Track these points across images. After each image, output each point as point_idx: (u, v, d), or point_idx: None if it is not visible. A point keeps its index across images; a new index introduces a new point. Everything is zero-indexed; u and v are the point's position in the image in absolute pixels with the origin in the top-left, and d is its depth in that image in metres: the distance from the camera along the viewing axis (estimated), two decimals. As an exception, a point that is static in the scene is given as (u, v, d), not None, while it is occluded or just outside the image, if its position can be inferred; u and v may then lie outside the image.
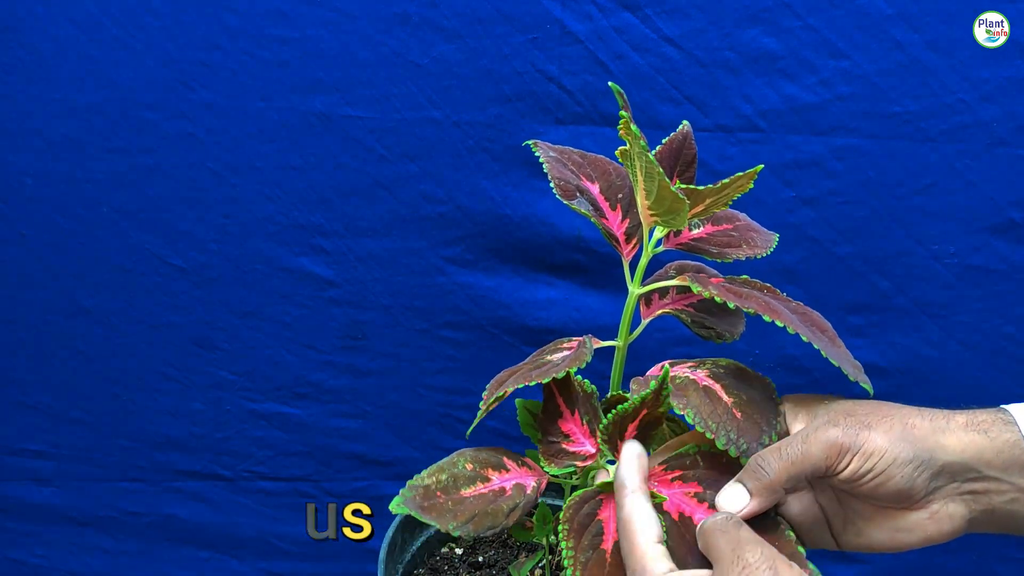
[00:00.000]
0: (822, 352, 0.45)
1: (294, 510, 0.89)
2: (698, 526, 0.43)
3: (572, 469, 0.49)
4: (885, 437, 0.42)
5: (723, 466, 0.45)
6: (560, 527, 0.46)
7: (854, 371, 0.46)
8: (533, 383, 0.48)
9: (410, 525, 0.61)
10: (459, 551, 0.63)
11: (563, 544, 0.45)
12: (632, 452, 0.46)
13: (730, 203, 0.48)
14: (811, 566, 0.41)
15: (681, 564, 0.42)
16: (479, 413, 0.50)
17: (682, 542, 0.44)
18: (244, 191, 0.78)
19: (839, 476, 0.43)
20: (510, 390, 0.48)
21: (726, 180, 0.46)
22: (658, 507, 0.44)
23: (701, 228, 0.55)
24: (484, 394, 0.51)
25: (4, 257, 0.81)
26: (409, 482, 0.49)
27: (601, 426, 0.47)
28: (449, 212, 0.77)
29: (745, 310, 0.45)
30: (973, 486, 0.43)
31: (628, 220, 0.54)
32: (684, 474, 0.46)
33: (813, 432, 0.43)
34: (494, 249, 0.78)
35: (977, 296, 0.76)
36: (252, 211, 0.78)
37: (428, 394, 0.83)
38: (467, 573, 0.61)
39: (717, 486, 0.45)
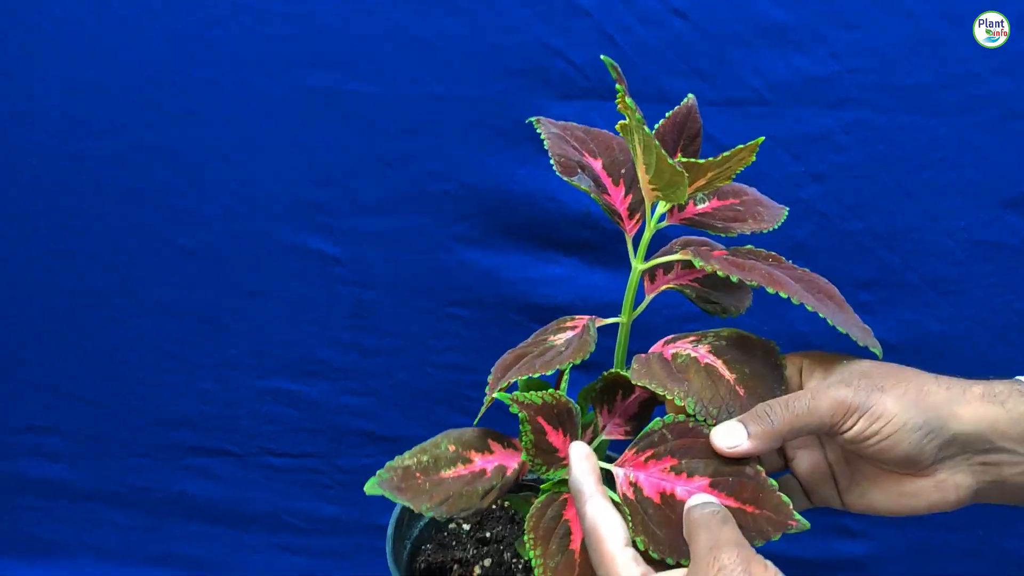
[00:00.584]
0: (828, 320, 0.44)
1: (304, 486, 0.89)
2: (685, 508, 0.41)
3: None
4: (897, 402, 0.42)
5: (692, 432, 0.45)
6: (526, 536, 0.45)
7: (862, 335, 0.45)
8: (537, 375, 0.47)
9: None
10: (466, 527, 0.64)
11: (531, 553, 0.45)
12: (579, 454, 0.44)
13: (734, 176, 0.47)
14: (797, 516, 0.41)
15: (671, 549, 0.42)
16: (484, 402, 0.50)
17: (667, 525, 0.43)
18: (248, 169, 0.77)
19: (844, 435, 0.43)
20: (514, 380, 0.48)
21: (728, 153, 0.45)
22: (639, 493, 0.44)
23: (706, 203, 0.54)
24: (490, 379, 0.51)
25: (9, 238, 0.81)
26: (389, 463, 0.49)
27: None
28: (455, 189, 0.77)
29: (748, 283, 0.45)
30: (985, 457, 0.43)
31: (631, 196, 0.53)
32: (656, 451, 0.45)
33: (824, 389, 0.43)
34: (500, 226, 0.78)
35: (988, 271, 0.75)
36: (256, 189, 0.78)
37: (436, 372, 0.83)
38: (474, 548, 0.62)
39: (692, 452, 0.44)
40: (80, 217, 0.80)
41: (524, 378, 0.48)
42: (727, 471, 0.43)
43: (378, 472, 0.48)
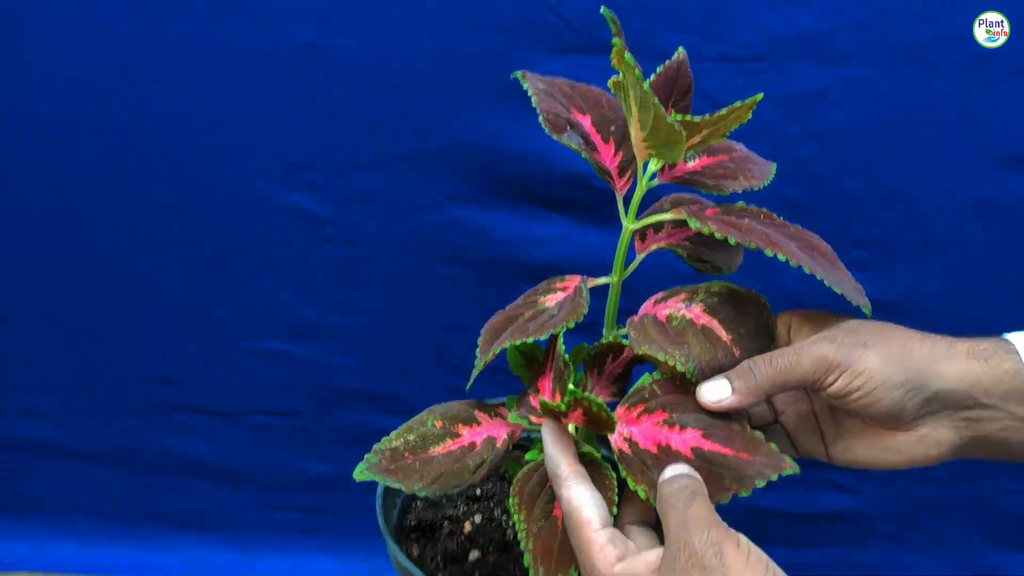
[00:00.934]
0: (824, 281, 0.44)
1: (293, 445, 0.89)
2: (658, 486, 0.41)
3: (526, 421, 0.49)
4: (879, 358, 0.42)
5: (680, 387, 0.45)
6: (511, 500, 0.46)
7: (855, 294, 0.45)
8: (531, 339, 0.47)
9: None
10: (456, 486, 0.64)
11: (515, 517, 0.45)
12: (551, 435, 0.44)
13: (727, 134, 0.47)
14: (789, 459, 0.41)
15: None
16: (475, 368, 0.50)
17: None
18: (230, 126, 0.75)
19: (827, 391, 0.43)
20: (507, 345, 0.47)
21: (723, 111, 0.44)
22: (635, 447, 0.44)
23: (696, 160, 0.53)
24: (480, 340, 0.50)
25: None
26: (375, 445, 0.49)
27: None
28: (443, 146, 0.75)
29: (745, 245, 0.44)
30: (968, 414, 0.44)
31: (621, 153, 0.52)
32: (647, 406, 0.45)
33: (808, 346, 0.44)
34: (490, 184, 0.77)
35: (983, 231, 0.75)
36: (239, 147, 0.76)
37: (425, 331, 0.83)
38: (465, 505, 0.62)
39: (682, 407, 0.44)
40: (53, 175, 0.78)
41: (514, 349, 0.48)
42: (716, 424, 0.43)
43: (365, 456, 0.48)
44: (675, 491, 0.39)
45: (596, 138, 0.52)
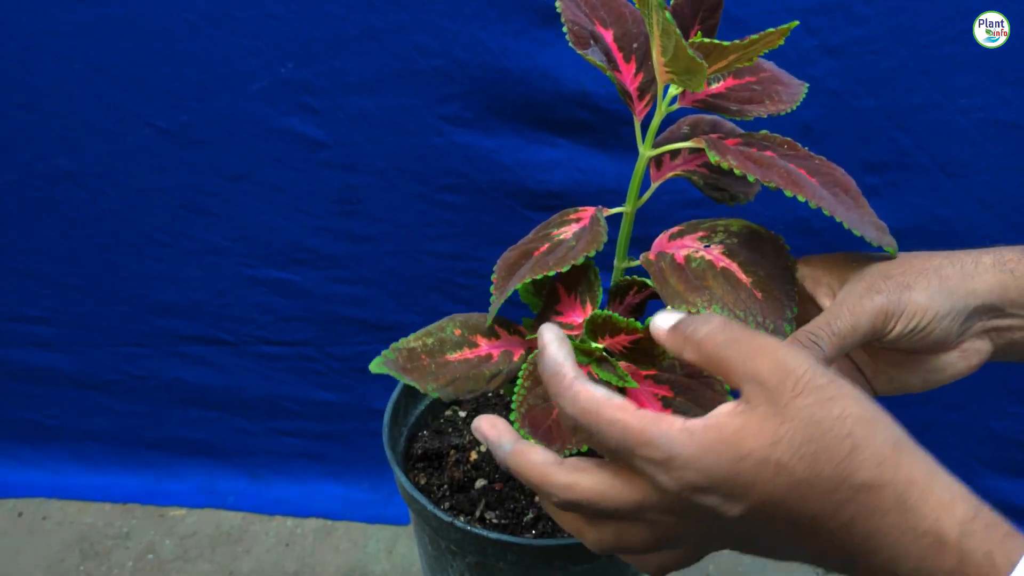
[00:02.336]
0: (844, 223, 0.43)
1: (298, 373, 0.90)
2: (686, 331, 0.36)
3: None
4: (925, 295, 0.43)
5: (696, 373, 0.45)
6: (523, 366, 0.45)
7: (878, 235, 0.45)
8: (552, 272, 0.46)
9: (414, 388, 0.61)
10: (462, 414, 0.64)
11: (519, 382, 0.44)
12: (553, 336, 0.38)
13: (755, 59, 0.44)
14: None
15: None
16: (492, 306, 0.49)
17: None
18: (222, 43, 0.72)
19: (886, 339, 0.44)
20: (527, 280, 0.46)
21: (755, 36, 0.42)
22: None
23: (720, 82, 0.50)
24: (494, 278, 0.49)
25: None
26: (393, 344, 0.49)
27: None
28: (445, 66, 0.72)
29: (766, 184, 0.43)
30: (996, 323, 0.45)
31: (642, 75, 0.49)
32: (658, 375, 0.45)
33: (858, 302, 0.44)
34: (493, 106, 0.74)
35: (1001, 152, 0.73)
36: (233, 66, 0.73)
37: (427, 259, 0.82)
38: (471, 434, 0.62)
39: (688, 393, 0.44)
40: (45, 95, 0.75)
41: (528, 280, 0.46)
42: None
43: (383, 352, 0.48)
44: (719, 324, 0.35)
45: (618, 56, 0.49)
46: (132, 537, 0.89)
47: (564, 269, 0.45)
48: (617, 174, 0.75)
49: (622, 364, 0.44)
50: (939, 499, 0.32)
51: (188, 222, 0.82)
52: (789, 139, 0.47)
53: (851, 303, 0.44)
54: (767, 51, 0.43)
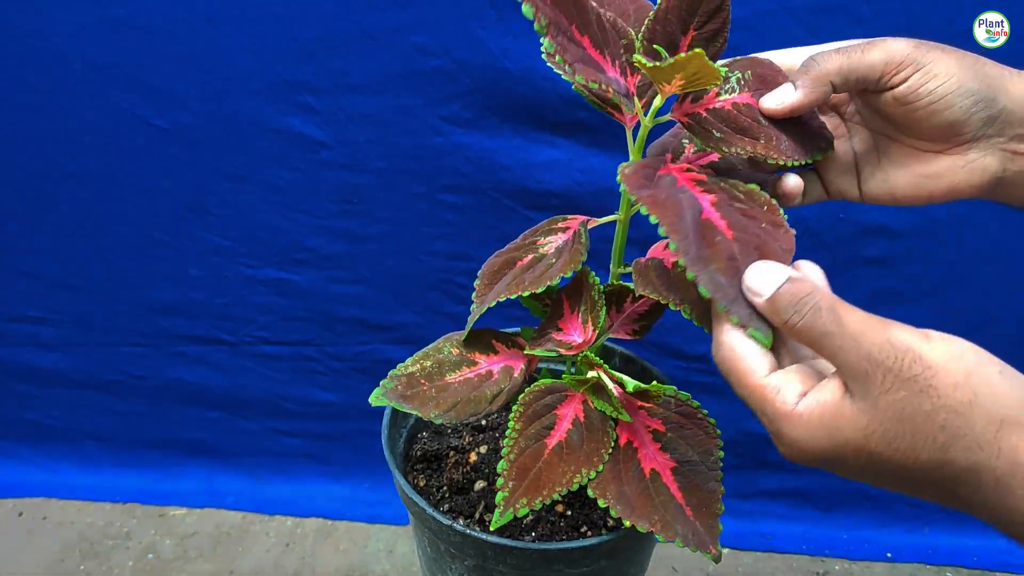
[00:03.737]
0: (701, 288, 0.37)
1: (298, 373, 0.90)
2: (776, 316, 0.35)
3: (554, 353, 0.48)
4: (956, 63, 0.40)
5: (690, 413, 0.45)
6: (514, 408, 0.45)
7: (747, 316, 0.37)
8: (526, 293, 0.45)
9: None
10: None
11: (511, 424, 0.45)
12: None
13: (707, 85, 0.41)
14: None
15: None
16: (471, 316, 0.48)
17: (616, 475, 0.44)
18: (222, 44, 0.72)
19: (895, 91, 0.41)
20: (502, 299, 0.46)
21: (669, 61, 0.38)
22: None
23: (731, 96, 0.45)
24: (476, 284, 0.49)
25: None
26: (392, 371, 0.48)
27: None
28: (445, 66, 0.72)
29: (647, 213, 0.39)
30: (1018, 145, 0.42)
31: (638, 75, 0.48)
32: (652, 409, 0.45)
33: (880, 40, 0.41)
34: (493, 107, 0.74)
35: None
36: (233, 66, 0.73)
37: (427, 259, 0.82)
38: (470, 436, 0.62)
39: (680, 431, 0.45)
40: (47, 95, 0.75)
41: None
42: None
43: (382, 382, 0.48)
44: (806, 311, 0.34)
45: (605, 64, 0.45)
46: (132, 537, 0.89)
47: (539, 290, 0.45)
48: (616, 172, 0.75)
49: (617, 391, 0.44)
50: None
51: (188, 222, 0.82)
52: (753, 187, 0.43)
53: (872, 39, 0.41)
54: (712, 83, 0.40)
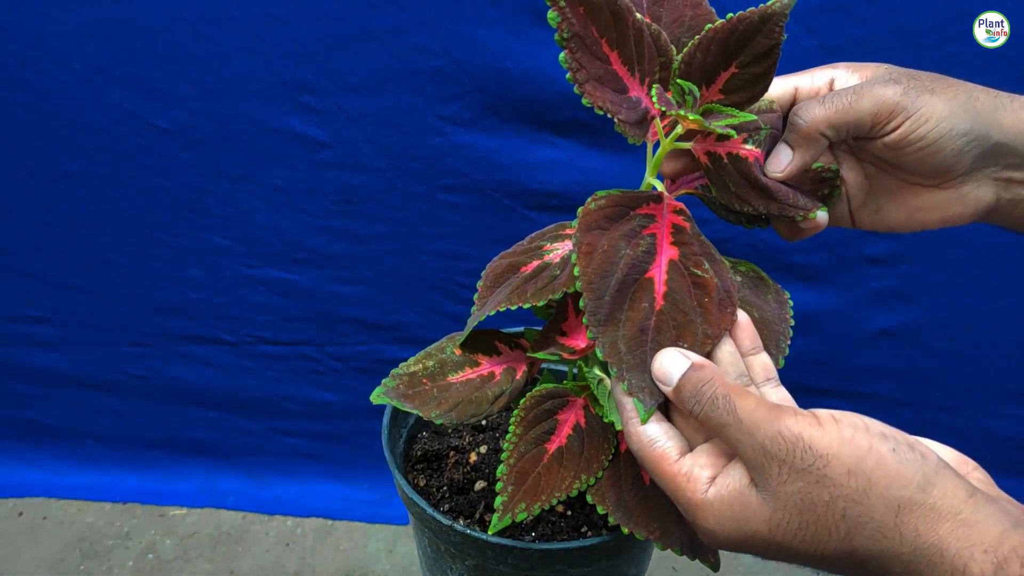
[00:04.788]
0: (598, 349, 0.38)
1: (298, 373, 0.90)
2: (682, 401, 0.36)
3: (557, 357, 0.47)
4: (946, 105, 0.39)
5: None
6: (515, 412, 0.45)
7: (638, 381, 0.38)
8: (527, 305, 0.44)
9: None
10: (462, 415, 0.64)
11: (511, 429, 0.45)
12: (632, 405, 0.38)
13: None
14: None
15: None
16: (469, 321, 0.48)
17: None
18: (222, 44, 0.72)
19: (886, 138, 0.40)
20: (502, 308, 0.45)
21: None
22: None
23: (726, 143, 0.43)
24: (479, 283, 0.49)
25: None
26: (393, 371, 0.48)
27: None
28: (445, 66, 0.72)
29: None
30: (1012, 173, 0.42)
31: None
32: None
33: (869, 86, 0.40)
34: (494, 106, 0.74)
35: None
36: (233, 66, 0.73)
37: (428, 259, 0.82)
38: (470, 436, 0.62)
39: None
40: (47, 95, 0.75)
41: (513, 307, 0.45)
42: None
43: (383, 381, 0.48)
44: (704, 400, 0.35)
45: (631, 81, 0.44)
46: (132, 537, 0.89)
47: (540, 303, 0.44)
48: (617, 174, 0.75)
49: None
50: (951, 565, 0.30)
51: (188, 222, 0.81)
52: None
53: (861, 86, 0.40)
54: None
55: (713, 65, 0.40)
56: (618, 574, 0.52)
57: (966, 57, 0.69)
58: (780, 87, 0.44)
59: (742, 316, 0.39)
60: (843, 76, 0.43)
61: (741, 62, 0.39)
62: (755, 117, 0.41)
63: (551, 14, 0.38)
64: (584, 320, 0.37)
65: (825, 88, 0.43)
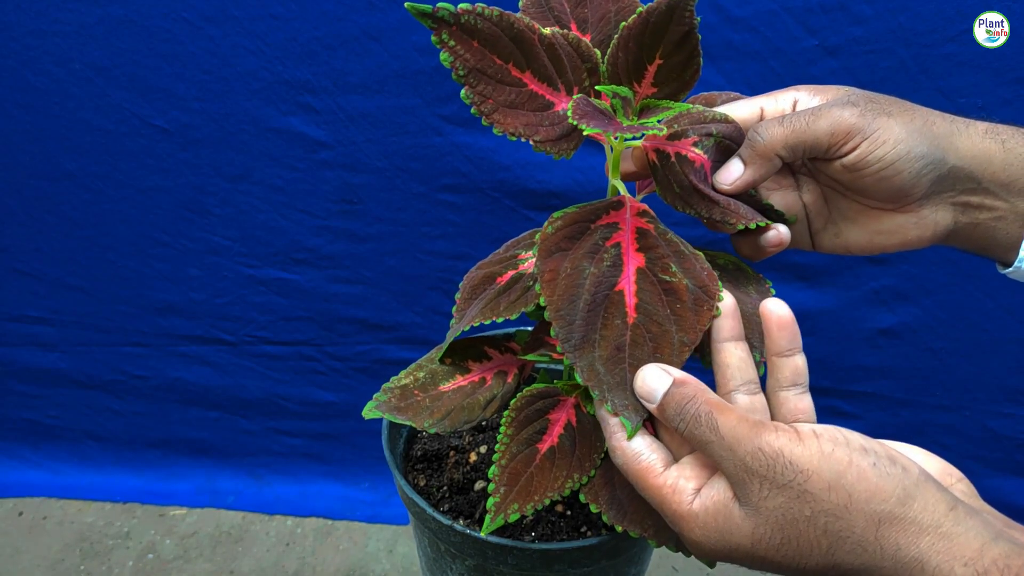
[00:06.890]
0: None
1: (298, 373, 0.90)
2: (667, 419, 0.36)
3: (547, 358, 0.47)
4: (903, 128, 0.40)
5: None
6: (506, 413, 0.45)
7: (622, 401, 0.38)
8: (500, 319, 0.44)
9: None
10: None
11: (502, 429, 0.44)
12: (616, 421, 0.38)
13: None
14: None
15: None
16: (448, 335, 0.48)
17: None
18: (222, 43, 0.72)
19: (842, 160, 0.40)
20: (476, 323, 0.45)
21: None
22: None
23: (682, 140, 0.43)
24: (458, 295, 0.49)
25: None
26: (385, 384, 0.48)
27: None
28: (442, 65, 0.72)
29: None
30: (968, 198, 0.42)
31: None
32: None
33: (827, 108, 0.40)
34: (493, 106, 0.74)
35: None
36: (233, 66, 0.73)
37: (428, 259, 0.82)
38: (470, 436, 0.62)
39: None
40: (47, 95, 0.75)
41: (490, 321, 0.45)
42: None
43: (375, 395, 0.48)
44: (688, 418, 0.35)
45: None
46: (132, 537, 0.89)
47: (513, 316, 0.44)
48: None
49: None
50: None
51: (188, 222, 0.81)
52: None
53: (819, 108, 0.40)
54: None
55: (637, 61, 0.40)
56: (618, 574, 0.52)
57: (966, 57, 0.69)
58: (747, 109, 0.44)
59: (780, 313, 0.38)
60: (805, 98, 0.44)
61: (664, 52, 0.40)
62: (691, 106, 0.41)
63: (442, 55, 0.38)
64: (558, 348, 0.37)
65: (789, 109, 0.44)
